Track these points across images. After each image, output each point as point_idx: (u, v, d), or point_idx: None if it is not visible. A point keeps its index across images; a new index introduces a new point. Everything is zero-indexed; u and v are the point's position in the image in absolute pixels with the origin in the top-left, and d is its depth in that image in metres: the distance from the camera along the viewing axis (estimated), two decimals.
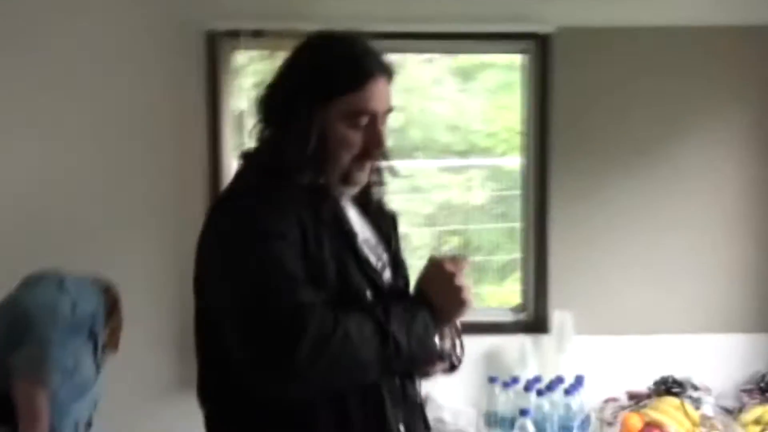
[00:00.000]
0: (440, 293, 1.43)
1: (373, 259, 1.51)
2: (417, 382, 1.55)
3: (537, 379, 2.66)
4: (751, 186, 2.96)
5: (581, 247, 2.93)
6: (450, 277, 1.43)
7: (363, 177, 1.51)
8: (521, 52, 2.98)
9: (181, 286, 2.77)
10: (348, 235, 1.48)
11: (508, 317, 2.95)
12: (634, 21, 2.90)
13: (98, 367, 2.19)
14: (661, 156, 2.93)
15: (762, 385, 2.77)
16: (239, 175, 1.52)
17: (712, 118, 2.95)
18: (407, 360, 1.36)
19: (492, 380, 2.65)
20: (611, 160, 2.93)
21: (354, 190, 1.54)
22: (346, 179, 1.49)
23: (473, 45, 2.99)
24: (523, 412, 2.43)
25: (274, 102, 1.48)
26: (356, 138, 1.45)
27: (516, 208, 3.14)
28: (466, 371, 1.63)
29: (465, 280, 1.44)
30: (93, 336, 2.15)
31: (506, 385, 2.63)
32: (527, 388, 2.62)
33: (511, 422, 2.56)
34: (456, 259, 1.46)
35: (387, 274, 1.53)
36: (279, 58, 2.84)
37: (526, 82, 3.00)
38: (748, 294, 2.95)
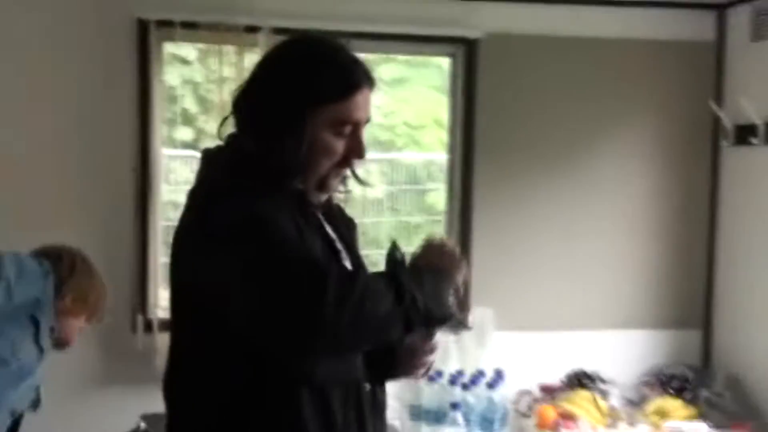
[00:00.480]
0: (435, 256, 1.46)
1: (347, 262, 1.54)
2: (385, 389, 1.61)
3: (460, 374, 2.78)
4: (654, 193, 3.16)
5: (501, 247, 3.06)
6: (442, 243, 1.49)
7: (336, 184, 1.53)
8: (449, 55, 3.07)
9: (106, 280, 2.76)
10: (330, 243, 1.51)
11: None
12: (557, 31, 3.05)
13: (42, 351, 2.04)
14: (577, 161, 3.10)
15: (661, 378, 2.99)
16: (218, 174, 1.48)
17: (624, 127, 3.14)
18: (425, 313, 1.36)
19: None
20: (531, 163, 3.07)
21: (324, 197, 1.57)
22: (322, 186, 1.50)
23: (403, 46, 3.06)
24: (454, 406, 2.54)
25: (258, 105, 1.46)
26: (339, 146, 1.46)
27: (411, 203, 3.26)
28: None
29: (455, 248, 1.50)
30: (34, 320, 2.01)
31: (431, 379, 2.73)
32: (452, 382, 2.73)
33: (436, 415, 2.66)
34: (446, 238, 1.54)
35: None
36: (212, 51, 2.86)
37: (453, 84, 3.10)
38: (648, 294, 3.16)
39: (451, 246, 1.50)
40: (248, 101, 1.48)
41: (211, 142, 1.61)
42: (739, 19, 3.07)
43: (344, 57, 1.46)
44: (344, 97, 1.43)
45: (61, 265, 2.11)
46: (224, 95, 2.66)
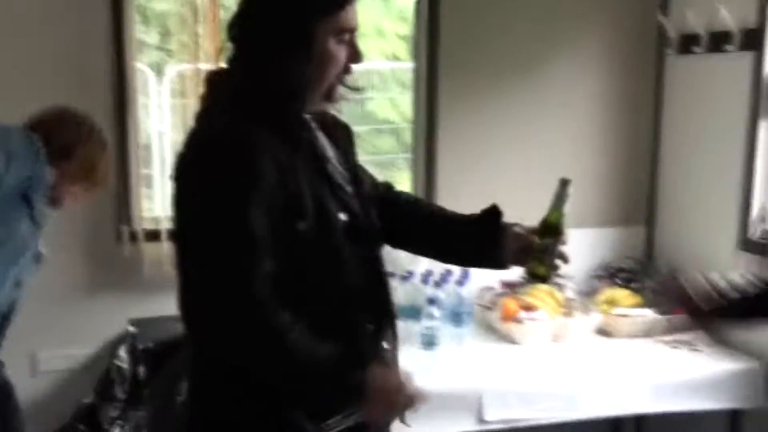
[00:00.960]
0: (377, 397, 1.50)
1: (339, 178, 1.62)
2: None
3: (429, 273, 2.97)
4: (603, 100, 3.35)
5: (464, 154, 3.22)
6: (395, 393, 1.53)
7: (340, 93, 1.59)
8: None
9: None
10: (321, 160, 1.58)
11: None
12: None
13: (38, 225, 2.07)
14: (534, 72, 3.25)
15: (611, 271, 3.26)
16: (221, 100, 1.54)
17: (576, 38, 3.29)
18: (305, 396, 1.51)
19: (390, 274, 2.93)
20: (494, 75, 3.21)
21: (330, 106, 1.67)
22: (329, 96, 1.57)
23: None
24: (431, 301, 2.74)
25: (264, 26, 1.49)
26: (343, 54, 1.54)
27: (349, 111, 3.40)
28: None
29: (402, 406, 1.55)
30: (27, 199, 2.02)
31: (404, 278, 2.93)
32: (424, 281, 2.93)
33: (410, 311, 2.86)
34: (418, 391, 1.56)
35: (349, 189, 1.64)
36: None
37: (417, 2, 3.18)
38: (598, 195, 3.39)
39: (401, 403, 1.53)
40: (251, 23, 1.52)
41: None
42: None
43: None
44: (344, 5, 1.52)
45: (81, 129, 2.14)
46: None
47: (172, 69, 3.51)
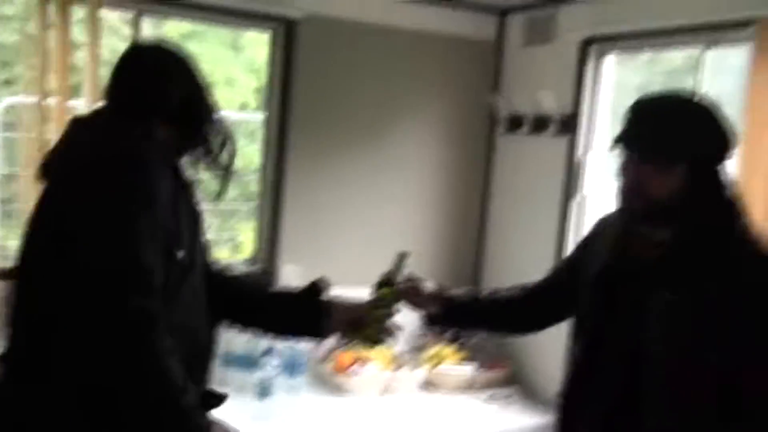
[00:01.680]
0: None
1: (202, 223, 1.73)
2: None
3: None
4: (439, 169, 3.63)
5: (311, 209, 3.36)
6: None
7: None
8: (271, 29, 3.28)
9: None
10: (196, 210, 1.70)
11: (240, 268, 3.29)
12: (369, 18, 3.36)
13: None
14: (379, 136, 3.48)
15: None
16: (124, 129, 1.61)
17: (418, 109, 3.56)
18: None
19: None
20: (341, 135, 3.40)
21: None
22: None
23: (224, 19, 3.20)
24: (267, 352, 2.83)
25: (180, 94, 1.69)
26: None
27: None
28: None
29: None
30: None
31: None
32: None
33: (246, 360, 2.94)
34: None
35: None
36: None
37: (271, 59, 3.31)
38: (429, 254, 3.63)
39: None
40: (161, 91, 1.67)
41: None
42: (515, 24, 3.58)
43: None
44: None
45: None
46: None
47: (4, 101, 3.43)
